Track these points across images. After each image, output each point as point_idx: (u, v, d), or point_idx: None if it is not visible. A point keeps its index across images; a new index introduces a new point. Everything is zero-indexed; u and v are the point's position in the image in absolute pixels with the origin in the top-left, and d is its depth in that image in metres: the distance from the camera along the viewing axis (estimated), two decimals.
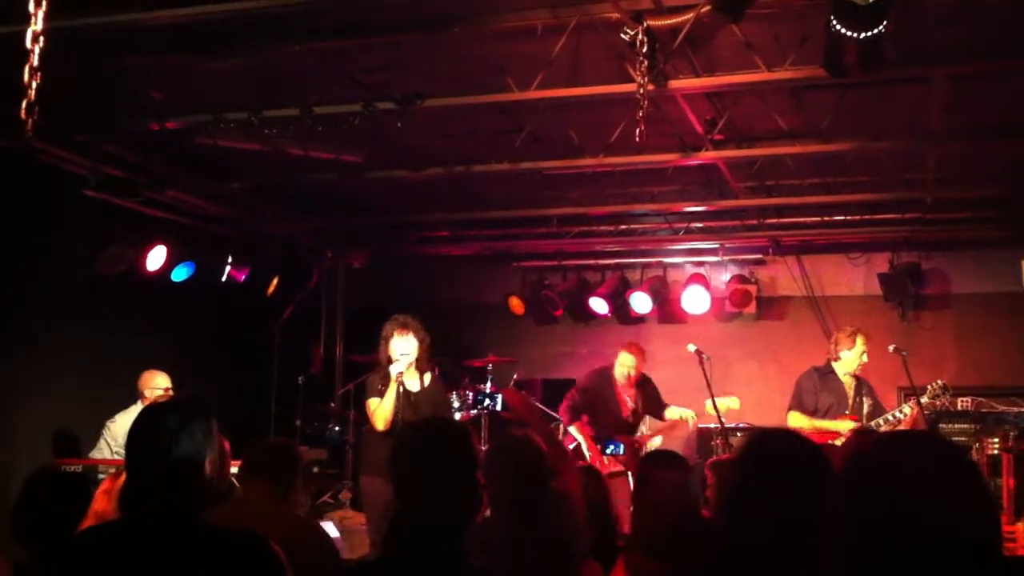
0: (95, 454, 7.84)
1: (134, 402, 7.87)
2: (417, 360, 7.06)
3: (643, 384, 8.44)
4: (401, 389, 6.86)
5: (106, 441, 7.83)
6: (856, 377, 8.14)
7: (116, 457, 7.54)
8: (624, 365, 8.27)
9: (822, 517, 2.30)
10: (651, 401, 8.46)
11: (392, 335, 7.02)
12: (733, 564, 2.51)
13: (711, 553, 3.59)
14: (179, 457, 2.69)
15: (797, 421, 7.97)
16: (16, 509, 4.36)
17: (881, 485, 1.95)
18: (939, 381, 8.01)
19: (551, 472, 3.89)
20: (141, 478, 2.72)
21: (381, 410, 6.88)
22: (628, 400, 8.33)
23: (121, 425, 7.77)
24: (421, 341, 7.06)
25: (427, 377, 7.22)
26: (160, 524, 2.63)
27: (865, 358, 8.06)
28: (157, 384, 7.94)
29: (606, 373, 8.41)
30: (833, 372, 8.13)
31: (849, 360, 8.07)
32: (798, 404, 8.15)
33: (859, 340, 8.06)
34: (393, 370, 6.87)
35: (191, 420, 2.77)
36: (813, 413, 8.04)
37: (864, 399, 8.07)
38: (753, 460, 2.63)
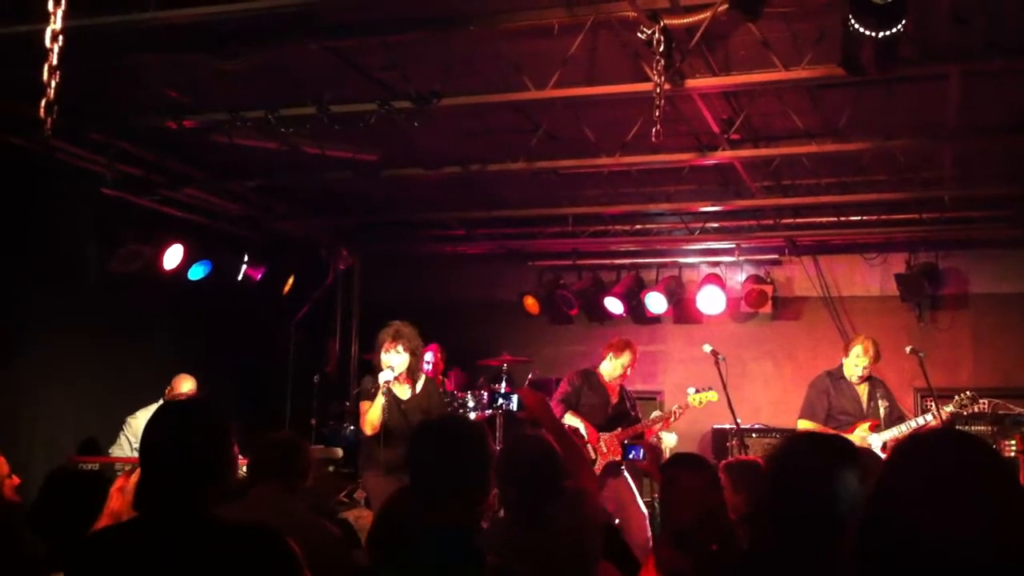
0: (115, 450, 7.90)
1: (156, 401, 7.95)
2: (408, 369, 7.13)
3: (624, 389, 8.62)
4: (388, 398, 6.96)
5: (126, 437, 7.89)
6: (870, 380, 8.08)
7: (134, 454, 7.60)
8: (624, 362, 8.38)
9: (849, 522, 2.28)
10: (629, 405, 8.59)
11: (383, 345, 7.12)
12: (759, 563, 2.50)
13: (735, 551, 3.58)
14: (191, 456, 2.69)
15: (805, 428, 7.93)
16: (34, 506, 4.39)
17: (885, 489, 1.92)
18: (967, 392, 7.94)
19: (564, 472, 3.89)
20: (154, 477, 2.72)
21: (369, 416, 7.01)
22: (613, 393, 8.46)
23: (141, 422, 7.83)
24: (412, 352, 7.13)
25: (419, 384, 7.29)
26: (174, 522, 2.64)
27: (860, 369, 7.95)
28: (180, 389, 8.01)
29: (590, 370, 8.55)
30: (844, 377, 8.08)
31: (847, 365, 8.04)
32: (808, 412, 8.06)
33: (855, 348, 7.99)
34: (381, 379, 6.97)
35: (203, 420, 2.79)
36: (827, 419, 7.97)
37: (880, 401, 8.00)
38: (786, 464, 2.62)
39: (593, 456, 8.02)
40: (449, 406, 9.10)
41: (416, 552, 2.82)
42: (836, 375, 8.13)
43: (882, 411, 7.96)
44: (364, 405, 7.13)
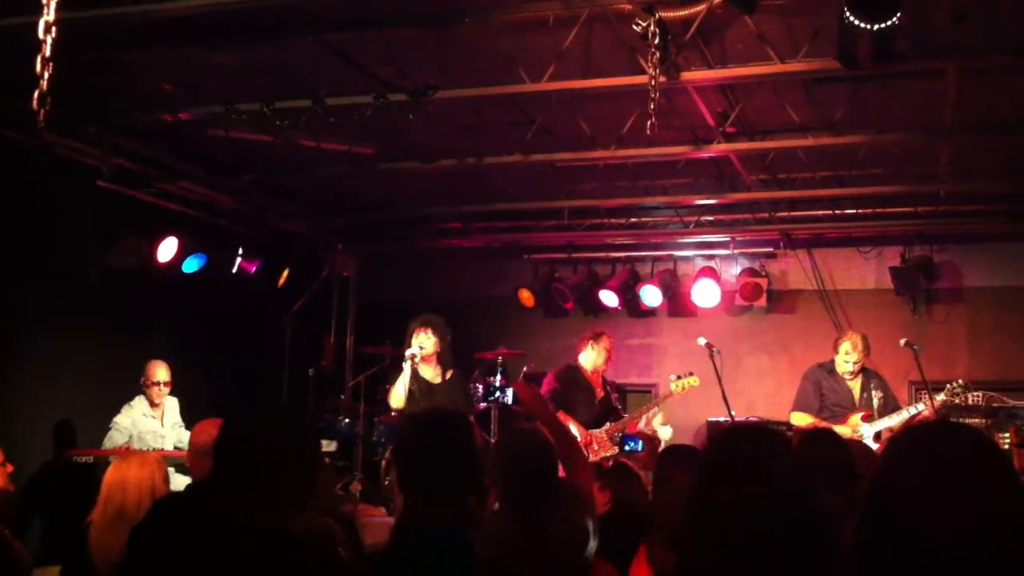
0: (107, 444, 7.88)
1: (180, 391, 8.05)
2: (437, 354, 7.63)
3: (608, 383, 8.72)
4: (414, 375, 7.46)
5: (118, 434, 7.89)
6: (863, 372, 8.12)
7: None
8: (604, 349, 8.54)
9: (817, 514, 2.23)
10: (614, 397, 8.70)
11: (413, 332, 7.64)
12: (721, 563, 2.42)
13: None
14: (265, 461, 2.69)
15: (800, 421, 7.98)
16: (27, 496, 4.40)
17: (883, 484, 1.90)
18: (959, 380, 8.00)
19: (560, 466, 3.88)
20: (227, 478, 2.71)
21: (394, 390, 7.57)
22: (598, 386, 8.56)
23: (125, 418, 7.91)
24: (441, 337, 7.64)
25: (448, 373, 7.77)
26: (239, 528, 2.62)
27: (851, 365, 8.05)
28: (157, 376, 8.07)
29: (572, 366, 8.65)
30: (835, 370, 8.14)
31: (838, 362, 8.13)
32: (801, 404, 8.19)
33: (843, 345, 8.11)
34: (407, 354, 7.47)
35: (280, 425, 2.79)
36: (821, 410, 8.02)
37: (874, 392, 8.05)
38: (714, 460, 2.52)
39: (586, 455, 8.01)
40: None
41: (404, 548, 2.81)
42: (828, 367, 8.20)
43: (876, 402, 8.00)
44: (389, 385, 7.68)
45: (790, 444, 2.52)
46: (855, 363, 8.03)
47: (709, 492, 2.32)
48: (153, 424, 8.06)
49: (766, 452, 2.37)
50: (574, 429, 8.06)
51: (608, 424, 8.30)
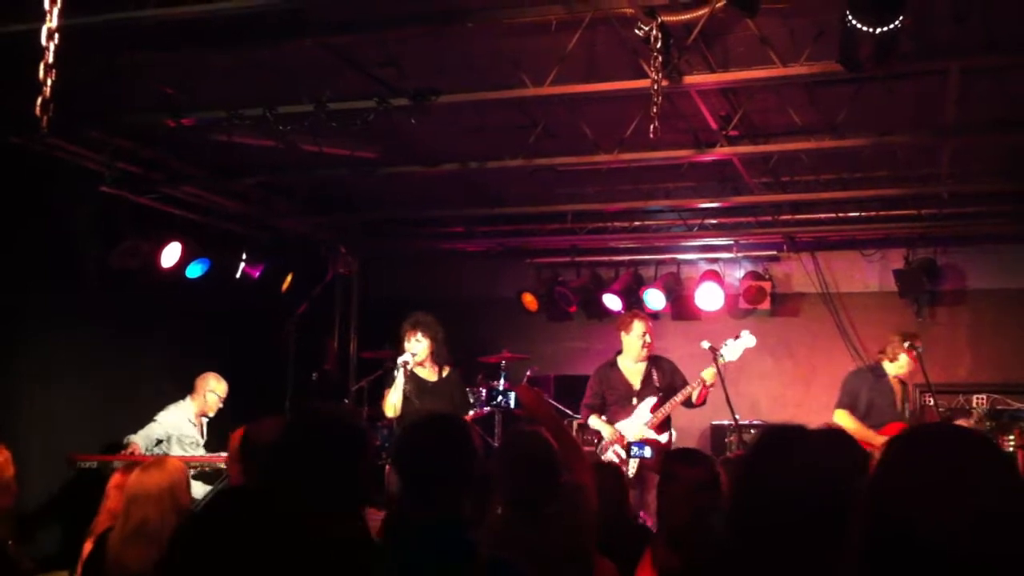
0: (144, 433, 7.88)
1: (183, 397, 8.04)
2: (432, 354, 7.58)
3: (659, 361, 8.24)
4: (408, 381, 7.40)
5: (153, 427, 7.92)
6: (901, 381, 8.09)
7: (156, 450, 7.67)
8: (637, 334, 8.02)
9: (836, 515, 2.24)
10: (672, 378, 8.16)
11: (404, 335, 7.56)
12: (737, 562, 2.45)
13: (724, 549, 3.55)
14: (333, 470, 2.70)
15: (844, 421, 7.81)
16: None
17: (882, 485, 1.90)
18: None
19: (562, 468, 3.89)
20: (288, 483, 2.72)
21: (387, 398, 7.50)
22: (637, 379, 8.09)
23: (171, 415, 7.92)
24: (432, 338, 7.56)
25: (445, 371, 7.70)
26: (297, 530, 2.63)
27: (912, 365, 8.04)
28: (216, 388, 8.11)
29: (608, 364, 8.24)
30: (886, 375, 8.05)
31: (900, 365, 8.00)
32: (849, 403, 7.99)
33: (919, 346, 8.01)
34: (399, 361, 7.41)
35: (344, 434, 2.80)
36: (865, 416, 7.90)
37: (906, 404, 8.05)
38: (765, 457, 2.55)
39: (623, 455, 7.88)
40: None
41: (405, 546, 2.81)
42: (879, 372, 8.07)
43: (907, 413, 7.99)
44: (386, 392, 7.56)
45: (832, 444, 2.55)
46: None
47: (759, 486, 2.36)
48: (194, 432, 8.08)
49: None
50: (603, 431, 7.88)
51: (650, 417, 7.95)
